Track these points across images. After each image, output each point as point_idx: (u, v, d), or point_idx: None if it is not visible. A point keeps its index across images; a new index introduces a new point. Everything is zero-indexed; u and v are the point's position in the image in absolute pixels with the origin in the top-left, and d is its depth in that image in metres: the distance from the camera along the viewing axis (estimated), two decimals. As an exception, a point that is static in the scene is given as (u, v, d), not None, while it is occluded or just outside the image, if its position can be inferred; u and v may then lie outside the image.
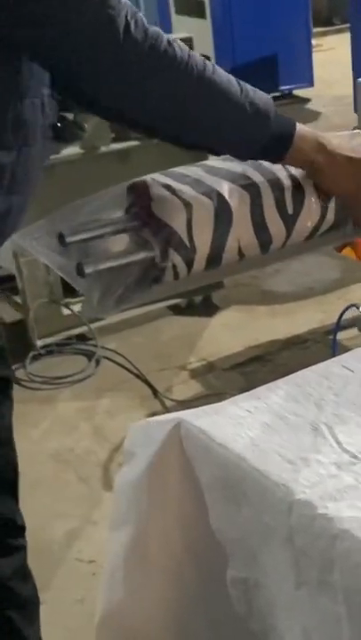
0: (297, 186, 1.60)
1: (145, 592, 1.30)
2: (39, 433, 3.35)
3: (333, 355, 2.34)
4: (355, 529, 1.02)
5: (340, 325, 2.21)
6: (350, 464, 1.11)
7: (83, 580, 2.62)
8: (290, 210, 1.60)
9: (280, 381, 1.33)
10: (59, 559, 2.72)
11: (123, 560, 1.30)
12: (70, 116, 3.45)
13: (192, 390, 3.48)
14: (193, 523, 1.26)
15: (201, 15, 7.16)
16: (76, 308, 3.74)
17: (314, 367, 1.35)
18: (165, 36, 1.44)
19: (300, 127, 1.55)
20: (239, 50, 7.13)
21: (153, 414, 3.42)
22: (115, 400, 3.52)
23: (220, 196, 1.57)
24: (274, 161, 1.58)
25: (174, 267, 1.56)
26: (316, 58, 7.90)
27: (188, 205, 1.54)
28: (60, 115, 2.74)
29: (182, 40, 5.07)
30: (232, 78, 1.51)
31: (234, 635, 1.27)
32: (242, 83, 1.52)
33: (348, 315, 3.65)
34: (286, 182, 1.60)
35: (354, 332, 3.51)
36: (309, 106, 7.62)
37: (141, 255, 1.55)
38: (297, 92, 7.79)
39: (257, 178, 1.59)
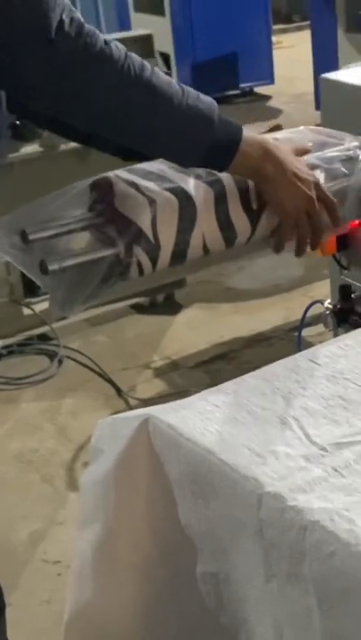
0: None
1: (113, 590, 1.29)
2: (2, 434, 3.33)
3: (299, 351, 2.36)
4: (325, 520, 1.02)
5: (304, 322, 2.21)
6: (319, 456, 1.11)
7: (49, 580, 2.60)
8: (254, 205, 1.60)
9: (248, 376, 1.33)
10: (24, 560, 2.70)
11: (91, 558, 1.29)
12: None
13: (156, 389, 3.48)
14: (161, 519, 1.26)
15: (160, 13, 7.14)
16: (38, 307, 3.72)
17: (281, 361, 1.35)
18: (102, 36, 1.39)
19: (247, 134, 1.50)
20: (199, 47, 7.13)
21: (117, 413, 3.41)
22: (78, 400, 3.50)
23: (184, 192, 1.56)
24: (219, 169, 1.53)
25: (139, 263, 1.56)
26: (277, 55, 7.92)
27: (152, 202, 1.54)
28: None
29: (142, 37, 5.04)
30: (172, 81, 1.45)
31: (204, 630, 1.26)
32: (184, 86, 1.46)
33: (313, 311, 3.71)
34: (250, 178, 1.60)
35: (318, 328, 3.52)
36: (270, 103, 7.65)
37: (105, 252, 1.54)
38: (258, 90, 7.81)
39: (222, 174, 1.59)
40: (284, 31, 10.26)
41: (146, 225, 1.53)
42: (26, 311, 3.76)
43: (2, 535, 2.78)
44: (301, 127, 1.76)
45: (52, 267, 1.52)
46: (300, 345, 2.20)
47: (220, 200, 1.58)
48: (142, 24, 6.54)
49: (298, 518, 1.04)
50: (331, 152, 1.68)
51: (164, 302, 4.07)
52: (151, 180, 1.57)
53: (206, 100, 1.46)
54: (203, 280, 4.11)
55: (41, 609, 2.51)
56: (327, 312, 2.08)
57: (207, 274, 4.04)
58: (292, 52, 9.02)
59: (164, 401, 3.39)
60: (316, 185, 1.55)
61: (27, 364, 3.73)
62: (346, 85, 1.98)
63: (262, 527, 1.07)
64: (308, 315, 3.49)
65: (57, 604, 2.52)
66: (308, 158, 1.62)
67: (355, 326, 2.11)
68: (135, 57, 1.41)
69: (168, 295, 4.05)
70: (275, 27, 8.40)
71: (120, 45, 1.40)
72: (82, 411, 3.42)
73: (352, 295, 2.08)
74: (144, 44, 4.37)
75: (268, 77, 7.70)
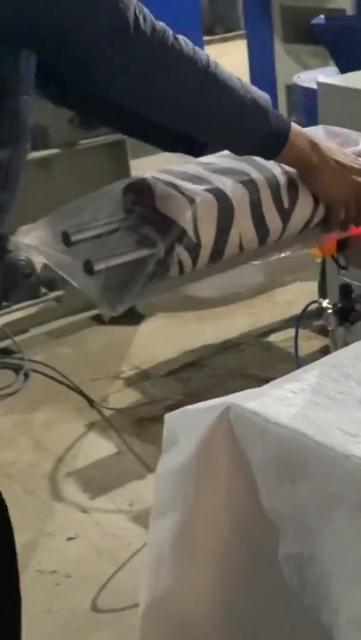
0: (291, 181, 1.66)
1: (193, 577, 1.32)
2: (-24, 449, 3.30)
3: (296, 353, 2.42)
4: None
5: (301, 322, 2.28)
6: None
7: (47, 590, 2.60)
8: (286, 204, 1.66)
9: (313, 365, 1.37)
10: (20, 572, 2.68)
11: (169, 546, 1.32)
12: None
13: (130, 398, 3.49)
14: (241, 505, 1.29)
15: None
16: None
17: (342, 350, 1.41)
18: (171, 32, 1.48)
19: (295, 126, 1.61)
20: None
21: (92, 424, 3.42)
22: (51, 412, 3.49)
23: (221, 191, 1.61)
24: (270, 157, 1.63)
25: (180, 262, 1.60)
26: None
27: (192, 201, 1.58)
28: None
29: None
30: (232, 74, 1.55)
31: (285, 612, 1.30)
32: (241, 79, 1.57)
33: (282, 315, 3.74)
34: (281, 177, 1.66)
35: (285, 334, 3.62)
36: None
37: (149, 251, 1.58)
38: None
39: (254, 174, 1.65)
40: (208, 43, 10.37)
41: (188, 224, 1.57)
42: (-14, 325, 3.73)
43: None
44: (319, 127, 1.83)
45: (99, 266, 1.55)
46: (297, 348, 2.25)
47: (255, 199, 1.64)
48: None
49: None
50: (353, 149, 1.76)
51: (126, 313, 4.06)
52: (188, 181, 1.61)
53: (261, 93, 1.56)
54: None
55: (43, 619, 2.50)
56: (329, 311, 2.15)
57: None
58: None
59: (141, 410, 3.44)
60: None
61: (-9, 379, 3.70)
62: (346, 89, 2.06)
63: (366, 500, 1.12)
64: (276, 320, 3.58)
65: (59, 612, 2.53)
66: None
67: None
68: (201, 51, 1.50)
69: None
70: (198, 39, 8.49)
71: (187, 40, 1.48)
72: (55, 422, 3.41)
73: (351, 294, 2.15)
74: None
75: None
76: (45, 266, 3.32)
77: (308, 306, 2.23)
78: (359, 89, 2.06)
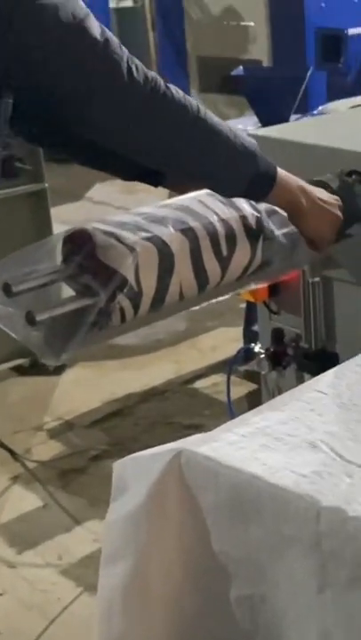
0: (229, 228, 1.71)
1: (145, 623, 1.32)
2: None
3: (228, 398, 2.45)
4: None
5: (232, 367, 2.31)
6: (360, 472, 1.20)
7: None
8: (224, 251, 1.70)
9: (260, 409, 1.40)
10: None
11: (121, 593, 1.31)
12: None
13: (53, 450, 3.45)
14: (193, 550, 1.30)
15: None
16: None
17: (287, 394, 1.44)
18: (162, 80, 1.52)
19: (280, 170, 1.66)
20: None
21: (17, 477, 3.36)
22: (-28, 466, 3.42)
23: (160, 240, 1.64)
24: (259, 199, 1.69)
25: (122, 310, 1.62)
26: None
27: (132, 250, 1.61)
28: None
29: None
30: (220, 120, 1.61)
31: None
32: (228, 124, 1.63)
33: (205, 362, 3.76)
34: (219, 225, 1.70)
35: (211, 379, 3.65)
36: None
37: (88, 301, 1.59)
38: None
39: (192, 222, 1.69)
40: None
41: (129, 273, 1.60)
42: None
43: None
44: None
45: (41, 317, 1.55)
46: (229, 390, 2.28)
47: (194, 247, 1.67)
48: None
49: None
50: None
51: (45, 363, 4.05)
52: (128, 230, 1.64)
53: (248, 138, 1.65)
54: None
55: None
56: (262, 356, 2.19)
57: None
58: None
59: (65, 462, 3.40)
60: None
61: None
62: (283, 142, 2.13)
63: (321, 539, 1.14)
64: (200, 366, 3.60)
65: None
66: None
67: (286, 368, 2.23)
68: (191, 98, 1.55)
69: (50, 356, 4.03)
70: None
71: (177, 88, 1.53)
72: (-22, 476, 3.35)
73: (283, 339, 2.20)
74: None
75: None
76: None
77: (240, 351, 2.26)
78: (296, 141, 2.13)
